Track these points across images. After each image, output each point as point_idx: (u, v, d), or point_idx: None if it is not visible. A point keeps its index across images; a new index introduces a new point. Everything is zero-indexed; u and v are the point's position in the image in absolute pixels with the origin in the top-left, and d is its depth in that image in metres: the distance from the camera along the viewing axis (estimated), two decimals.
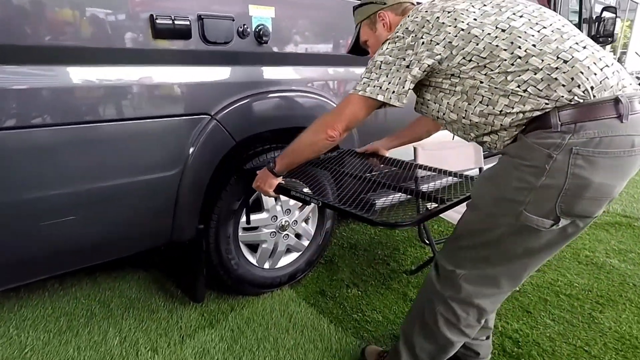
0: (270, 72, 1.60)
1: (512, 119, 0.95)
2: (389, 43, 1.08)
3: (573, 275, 2.08)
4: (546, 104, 0.90)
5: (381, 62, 1.07)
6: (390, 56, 1.06)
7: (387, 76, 1.05)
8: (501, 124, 0.97)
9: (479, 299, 1.11)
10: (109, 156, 1.25)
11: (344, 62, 1.85)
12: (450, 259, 1.13)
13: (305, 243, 1.97)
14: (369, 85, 1.08)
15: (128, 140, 1.29)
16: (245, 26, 1.44)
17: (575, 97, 0.88)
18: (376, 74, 1.07)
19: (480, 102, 0.98)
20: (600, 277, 2.07)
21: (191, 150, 1.42)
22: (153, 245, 1.52)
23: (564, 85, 0.88)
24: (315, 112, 1.72)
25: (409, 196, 1.36)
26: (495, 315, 1.37)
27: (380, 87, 1.06)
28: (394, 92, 1.05)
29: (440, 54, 1.00)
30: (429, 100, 1.11)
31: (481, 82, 0.97)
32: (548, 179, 0.89)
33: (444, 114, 1.08)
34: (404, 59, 1.04)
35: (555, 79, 0.89)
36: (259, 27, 1.49)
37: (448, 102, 1.05)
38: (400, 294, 1.89)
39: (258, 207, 1.76)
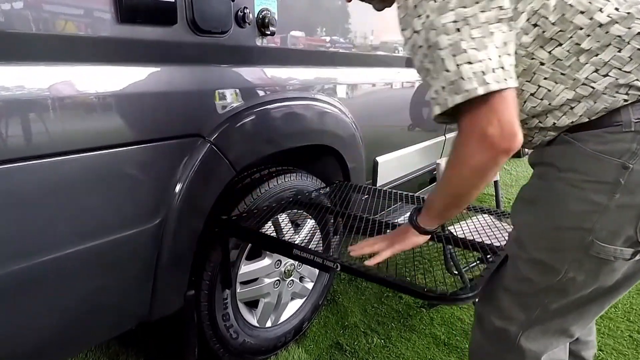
0: (278, 75, 1.19)
1: (573, 121, 0.70)
2: None
3: None
4: (625, 100, 0.65)
5: (466, 17, 0.60)
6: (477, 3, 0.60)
7: (493, 43, 0.61)
8: (554, 123, 0.72)
9: (554, 355, 0.87)
10: (43, 215, 0.76)
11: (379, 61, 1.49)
12: (499, 312, 0.85)
13: (310, 286, 1.59)
14: (485, 70, 0.60)
15: (80, 185, 0.80)
16: (247, 10, 1.02)
17: None
18: (477, 45, 0.61)
19: (533, 94, 0.71)
20: None
21: (177, 189, 0.97)
22: (120, 332, 1.03)
23: None
24: (334, 124, 1.36)
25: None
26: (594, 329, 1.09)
27: (503, 67, 0.62)
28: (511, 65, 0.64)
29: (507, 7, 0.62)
30: None
31: (542, 64, 0.68)
32: (624, 197, 0.67)
33: None
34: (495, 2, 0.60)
35: None
36: (263, 13, 1.08)
37: None
38: (429, 336, 1.59)
39: (255, 251, 1.34)
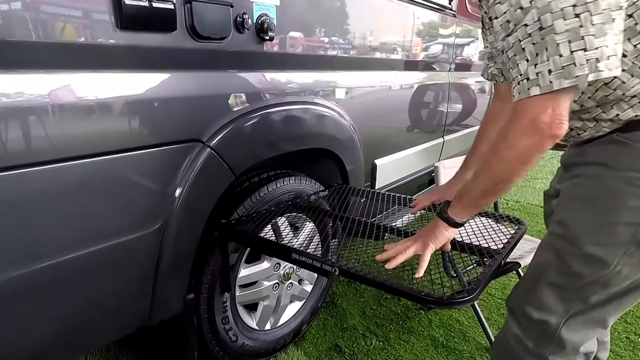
0: (276, 79, 1.20)
1: (638, 114, 0.72)
2: None
3: None
4: None
5: (586, 3, 0.59)
6: None
7: (612, 30, 0.60)
8: (617, 115, 0.74)
9: (587, 345, 0.88)
10: (44, 221, 0.77)
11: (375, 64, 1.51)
12: (538, 304, 0.86)
13: (309, 288, 1.59)
14: (600, 57, 0.60)
15: (80, 190, 0.81)
16: (246, 16, 1.03)
17: None
18: (596, 32, 0.59)
19: (607, 84, 0.72)
20: None
21: (177, 193, 0.98)
22: (121, 336, 1.04)
23: None
24: (332, 128, 1.37)
25: None
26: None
27: (616, 55, 0.61)
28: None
29: None
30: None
31: (624, 56, 0.68)
32: None
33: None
34: None
35: None
36: (261, 18, 1.08)
37: None
38: (427, 338, 1.60)
39: (255, 254, 1.35)
